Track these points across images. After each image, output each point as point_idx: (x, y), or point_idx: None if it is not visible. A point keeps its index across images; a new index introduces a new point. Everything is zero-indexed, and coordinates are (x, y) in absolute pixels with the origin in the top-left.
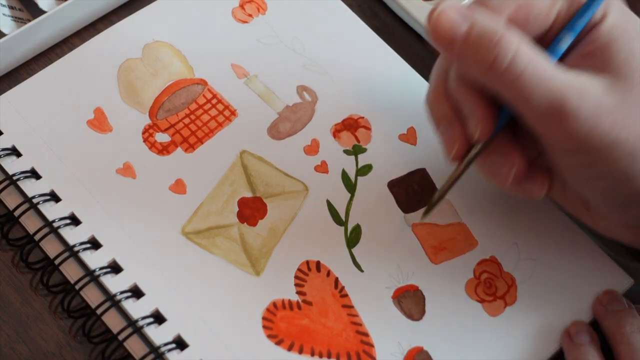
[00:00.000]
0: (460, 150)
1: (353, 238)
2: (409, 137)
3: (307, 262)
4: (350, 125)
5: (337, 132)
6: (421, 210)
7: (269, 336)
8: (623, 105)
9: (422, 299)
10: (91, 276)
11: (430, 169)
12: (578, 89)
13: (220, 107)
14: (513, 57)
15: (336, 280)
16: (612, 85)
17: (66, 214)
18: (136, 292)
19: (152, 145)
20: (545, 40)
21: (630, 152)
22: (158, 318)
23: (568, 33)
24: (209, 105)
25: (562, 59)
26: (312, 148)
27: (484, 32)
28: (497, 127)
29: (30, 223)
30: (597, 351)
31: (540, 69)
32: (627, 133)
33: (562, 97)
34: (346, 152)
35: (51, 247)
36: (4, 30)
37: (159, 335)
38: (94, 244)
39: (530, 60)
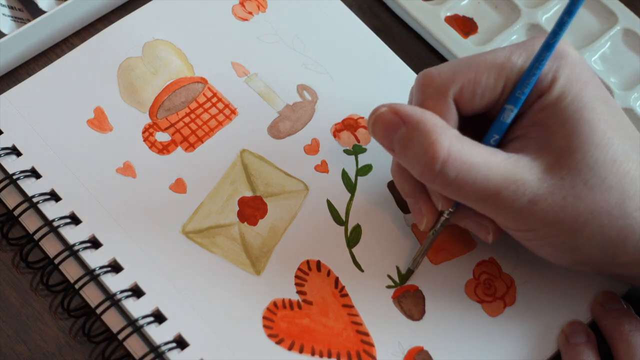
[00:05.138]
0: (430, 222)
1: (353, 238)
2: None
3: (308, 262)
4: (350, 125)
5: (337, 131)
6: None
7: (270, 335)
8: (562, 187)
9: (422, 299)
10: (91, 275)
11: None
12: (514, 181)
13: (220, 105)
14: (443, 166)
15: (336, 279)
16: (552, 165)
17: (66, 213)
18: (136, 292)
19: (152, 145)
20: (497, 109)
21: (571, 228)
22: (158, 317)
23: (509, 107)
24: (209, 104)
25: (512, 126)
26: (313, 147)
27: (416, 137)
28: None
29: (30, 222)
30: (592, 351)
31: (474, 173)
32: (565, 213)
33: (497, 194)
34: (346, 151)
35: (51, 247)
36: (4, 30)
37: (159, 334)
38: (94, 243)
39: (462, 166)
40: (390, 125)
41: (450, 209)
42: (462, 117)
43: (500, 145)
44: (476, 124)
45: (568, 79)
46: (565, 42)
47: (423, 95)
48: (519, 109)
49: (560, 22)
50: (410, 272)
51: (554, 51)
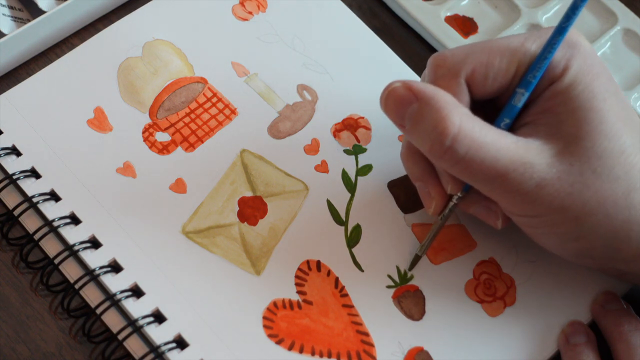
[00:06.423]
0: (438, 206)
1: (353, 238)
2: None
3: (308, 262)
4: (350, 125)
5: (337, 131)
6: (421, 211)
7: (270, 335)
8: (570, 173)
9: (422, 299)
10: (91, 275)
11: None
12: (522, 164)
13: (220, 105)
14: (452, 142)
15: (336, 279)
16: (562, 152)
17: (66, 213)
18: (136, 292)
19: (152, 145)
20: (508, 95)
21: (576, 216)
22: (158, 317)
23: (521, 90)
24: (209, 104)
25: (523, 111)
26: (312, 147)
27: (428, 113)
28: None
29: (30, 222)
30: (592, 351)
31: (483, 152)
32: (572, 200)
33: (505, 175)
34: (346, 151)
35: (51, 247)
36: (4, 30)
37: (159, 334)
38: (94, 243)
39: (472, 143)
40: (402, 101)
41: (459, 194)
42: (473, 102)
43: (510, 131)
44: (487, 113)
45: (580, 68)
46: (578, 33)
47: (435, 76)
48: (530, 92)
49: (573, 5)
50: (417, 258)
51: (568, 40)
